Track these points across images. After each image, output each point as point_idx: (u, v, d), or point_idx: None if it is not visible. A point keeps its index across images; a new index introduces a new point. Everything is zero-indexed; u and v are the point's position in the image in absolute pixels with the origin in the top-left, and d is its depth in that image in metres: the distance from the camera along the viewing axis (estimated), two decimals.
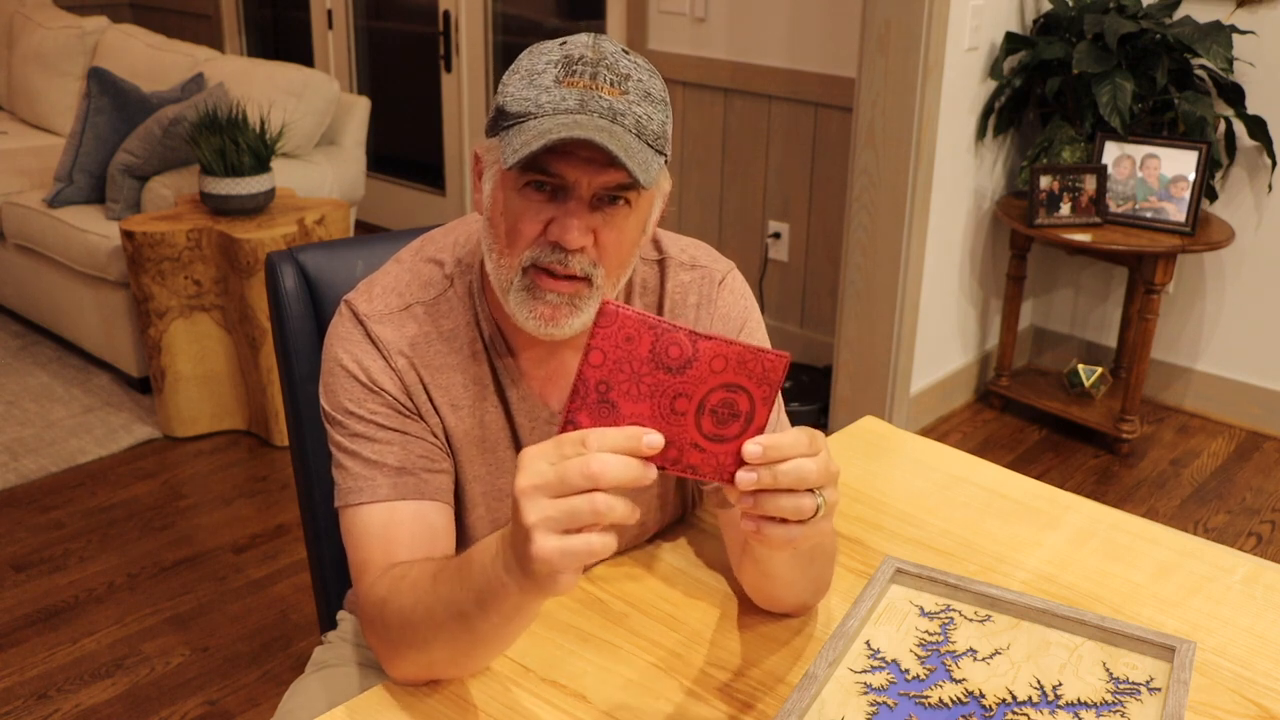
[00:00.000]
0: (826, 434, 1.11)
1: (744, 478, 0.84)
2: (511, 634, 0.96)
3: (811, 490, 0.86)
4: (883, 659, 1.05)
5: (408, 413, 1.11)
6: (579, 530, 0.80)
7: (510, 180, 1.03)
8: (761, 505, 0.85)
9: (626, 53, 1.03)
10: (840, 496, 0.93)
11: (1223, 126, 3.07)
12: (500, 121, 1.03)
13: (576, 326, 1.07)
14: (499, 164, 1.04)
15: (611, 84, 1.00)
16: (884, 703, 1.00)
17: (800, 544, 0.89)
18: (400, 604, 1.01)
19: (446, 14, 4.49)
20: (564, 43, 1.03)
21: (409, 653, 1.01)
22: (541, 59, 1.02)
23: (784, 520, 0.87)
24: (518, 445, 1.17)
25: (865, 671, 1.04)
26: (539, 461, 0.81)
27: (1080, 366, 3.27)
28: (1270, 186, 3.12)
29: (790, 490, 0.85)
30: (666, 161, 1.06)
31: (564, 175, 1.00)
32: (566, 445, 0.80)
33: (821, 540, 1.06)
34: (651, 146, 1.02)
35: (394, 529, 1.07)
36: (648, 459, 0.81)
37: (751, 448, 0.83)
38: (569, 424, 0.83)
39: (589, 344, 0.81)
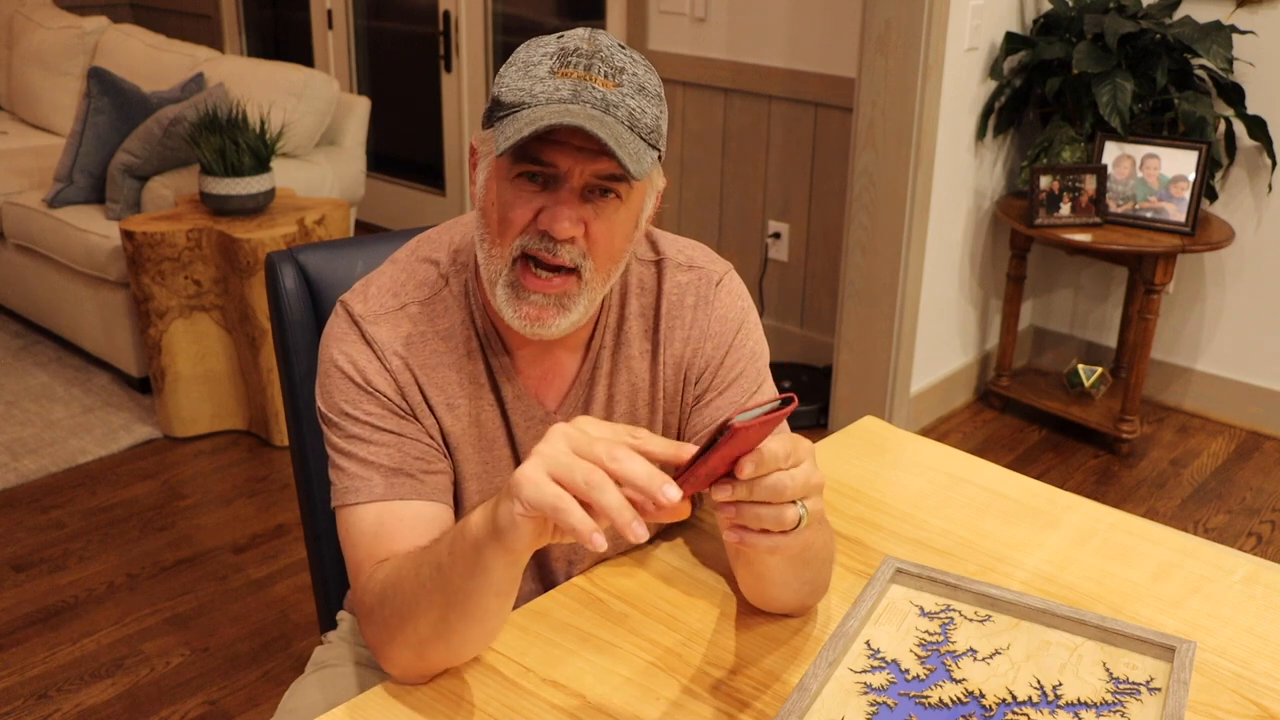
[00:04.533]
0: (826, 434, 1.11)
1: (720, 493, 0.85)
2: (482, 597, 0.94)
3: (794, 501, 0.87)
4: (883, 659, 1.05)
5: (403, 413, 1.11)
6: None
7: (503, 170, 1.03)
8: (742, 516, 0.86)
9: (623, 47, 1.04)
10: (824, 501, 0.94)
11: (1223, 126, 3.07)
12: (495, 112, 1.03)
13: (565, 327, 1.07)
14: (492, 154, 1.04)
15: (605, 76, 1.00)
16: (884, 703, 1.00)
17: (784, 552, 0.89)
18: (394, 595, 1.01)
19: (446, 14, 4.49)
20: (561, 36, 1.04)
21: (398, 631, 1.01)
22: (538, 51, 1.03)
23: (767, 530, 0.88)
24: (513, 444, 1.17)
25: (865, 671, 1.04)
26: (584, 431, 0.85)
27: (1080, 366, 3.27)
28: (1270, 186, 3.12)
29: (768, 503, 0.86)
30: (660, 157, 1.06)
31: (556, 164, 1.01)
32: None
33: (813, 544, 1.06)
34: (644, 139, 1.02)
35: (390, 528, 1.07)
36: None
37: (747, 468, 0.84)
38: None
39: (712, 453, 0.81)
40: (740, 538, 0.88)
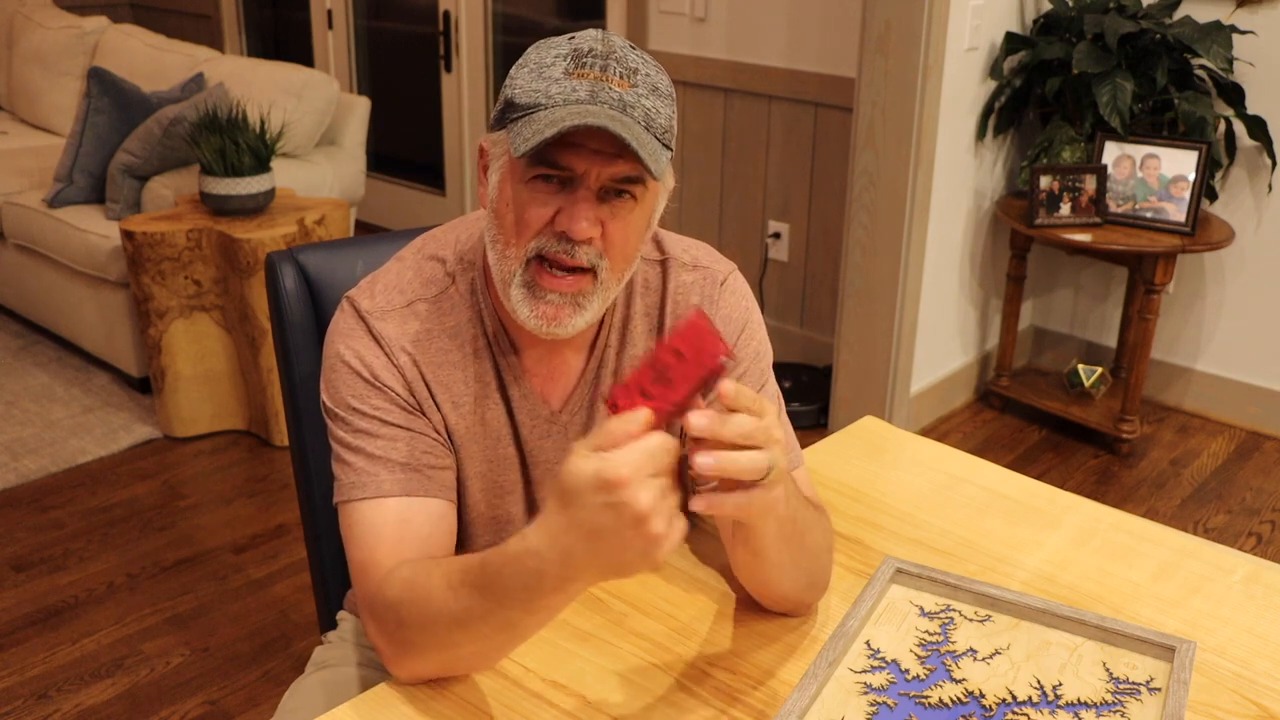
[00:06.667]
0: (826, 434, 1.12)
1: (697, 423, 0.86)
2: (543, 620, 0.96)
3: (759, 448, 0.89)
4: (883, 659, 1.05)
5: (411, 408, 1.11)
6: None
7: (518, 172, 1.03)
8: (722, 466, 0.87)
9: (633, 48, 1.04)
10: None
11: (1223, 126, 3.07)
12: (508, 114, 1.03)
13: (580, 325, 1.07)
14: (506, 155, 1.04)
15: (621, 76, 1.01)
16: (884, 703, 1.00)
17: (757, 507, 0.92)
18: (420, 611, 0.99)
19: (446, 14, 4.49)
20: (572, 38, 1.04)
21: (430, 654, 1.00)
22: (550, 53, 1.03)
23: (739, 485, 0.90)
24: (518, 443, 1.17)
25: (865, 671, 1.04)
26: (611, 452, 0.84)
27: (1080, 366, 3.27)
28: (1270, 186, 3.12)
29: (744, 448, 0.88)
30: (671, 157, 1.06)
31: (573, 167, 1.01)
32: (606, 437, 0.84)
33: (806, 523, 1.06)
34: (659, 140, 1.03)
35: (398, 526, 1.07)
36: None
37: (726, 386, 0.87)
38: (614, 398, 0.87)
39: (672, 342, 0.85)
40: (708, 502, 0.91)
